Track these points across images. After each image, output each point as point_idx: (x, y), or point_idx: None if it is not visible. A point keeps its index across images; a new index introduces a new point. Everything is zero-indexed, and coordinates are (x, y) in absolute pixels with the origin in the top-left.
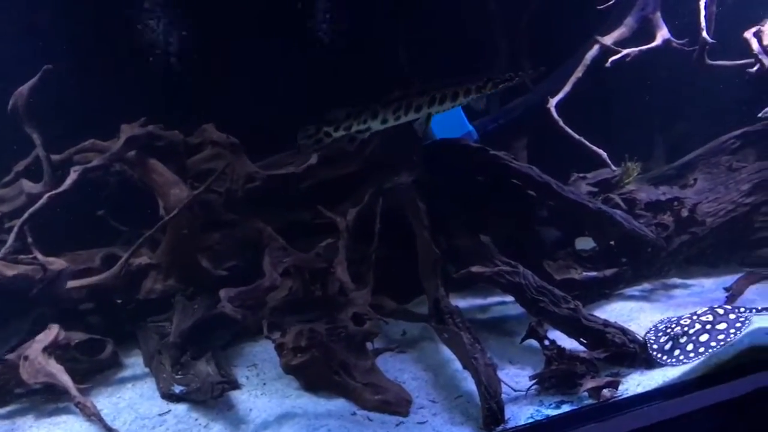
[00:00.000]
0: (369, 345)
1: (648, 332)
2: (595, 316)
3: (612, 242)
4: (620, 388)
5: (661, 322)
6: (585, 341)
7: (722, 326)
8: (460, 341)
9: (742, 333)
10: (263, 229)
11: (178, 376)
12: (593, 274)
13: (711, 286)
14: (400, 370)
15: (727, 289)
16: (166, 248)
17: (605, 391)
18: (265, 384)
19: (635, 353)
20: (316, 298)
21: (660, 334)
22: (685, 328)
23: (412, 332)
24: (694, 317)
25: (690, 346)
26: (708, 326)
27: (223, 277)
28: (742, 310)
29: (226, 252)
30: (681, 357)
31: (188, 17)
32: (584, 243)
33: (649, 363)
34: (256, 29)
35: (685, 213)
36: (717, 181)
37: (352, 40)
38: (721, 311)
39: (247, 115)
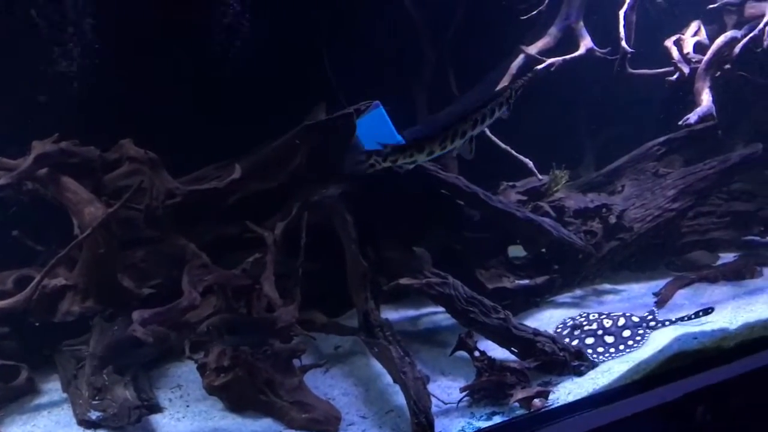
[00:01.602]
0: (297, 362)
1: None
2: (525, 326)
3: (543, 250)
4: (551, 397)
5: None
6: (516, 351)
7: (610, 339)
8: (389, 355)
9: (618, 357)
10: (186, 246)
11: (95, 402)
12: (525, 282)
13: (640, 291)
14: (330, 386)
15: (656, 294)
16: (82, 268)
17: (536, 401)
18: (188, 406)
19: (565, 361)
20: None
21: (570, 323)
22: (584, 324)
23: (345, 346)
24: (601, 317)
25: (575, 342)
26: (600, 332)
27: (150, 295)
28: (652, 324)
29: (151, 270)
30: None
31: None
32: (517, 250)
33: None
34: (177, 42)
35: (613, 219)
36: (644, 187)
37: (276, 52)
38: (622, 321)
39: (172, 129)
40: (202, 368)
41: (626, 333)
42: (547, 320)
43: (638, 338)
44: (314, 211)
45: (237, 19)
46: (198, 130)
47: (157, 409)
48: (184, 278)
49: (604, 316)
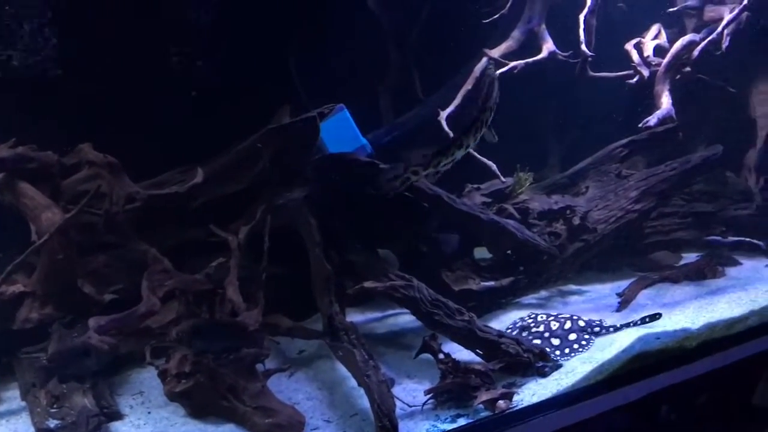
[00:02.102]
0: (260, 366)
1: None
2: (490, 327)
3: (508, 251)
4: (516, 398)
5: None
6: (481, 352)
7: (556, 342)
8: (353, 359)
9: (565, 359)
10: (147, 251)
11: (53, 410)
12: (490, 283)
13: (605, 292)
14: (294, 390)
15: (619, 295)
16: (41, 275)
17: (500, 403)
18: (149, 412)
19: (529, 362)
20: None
21: (519, 324)
22: (532, 325)
23: (310, 350)
24: (548, 319)
25: None
26: (546, 334)
27: (114, 301)
28: (596, 329)
29: (113, 275)
30: None
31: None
32: (484, 251)
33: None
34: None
35: (576, 221)
36: (607, 188)
37: (241, 55)
38: (568, 324)
39: (135, 133)
40: (163, 374)
41: (572, 336)
42: (512, 321)
43: (584, 342)
44: (278, 214)
45: (199, 20)
46: (162, 134)
47: (117, 416)
48: (144, 284)
49: (551, 318)
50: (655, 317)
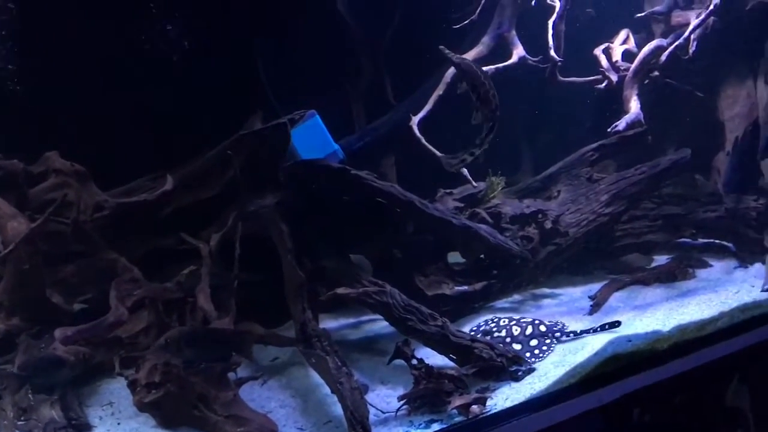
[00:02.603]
0: (232, 375)
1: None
2: (463, 332)
3: (481, 256)
4: (489, 403)
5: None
6: (454, 357)
7: (517, 347)
8: (326, 366)
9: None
10: (116, 260)
11: (21, 422)
12: (464, 288)
13: (578, 295)
14: (267, 398)
15: (591, 298)
16: (7, 285)
17: (474, 408)
18: (119, 423)
19: (503, 367)
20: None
21: (483, 328)
22: (494, 330)
23: (283, 357)
24: (510, 323)
25: None
26: (508, 339)
27: (84, 311)
28: (557, 335)
29: (82, 285)
30: None
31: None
32: (458, 256)
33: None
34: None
35: (548, 225)
36: (578, 192)
37: (211, 62)
38: (530, 330)
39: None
40: (132, 384)
41: (533, 342)
42: (474, 326)
43: (545, 348)
44: (250, 221)
45: (170, 27)
46: (133, 140)
47: (86, 427)
48: (112, 293)
49: (513, 323)
50: (614, 325)
